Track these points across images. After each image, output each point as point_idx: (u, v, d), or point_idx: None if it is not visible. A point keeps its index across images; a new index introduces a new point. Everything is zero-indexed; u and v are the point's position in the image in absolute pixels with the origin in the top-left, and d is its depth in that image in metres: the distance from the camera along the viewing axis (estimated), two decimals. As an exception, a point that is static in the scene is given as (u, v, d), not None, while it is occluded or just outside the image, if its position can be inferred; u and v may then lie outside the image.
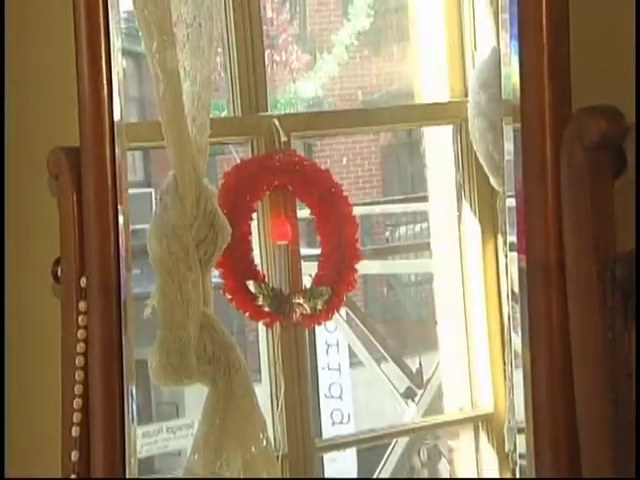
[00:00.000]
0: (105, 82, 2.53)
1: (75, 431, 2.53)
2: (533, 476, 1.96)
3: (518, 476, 2.80)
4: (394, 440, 3.60)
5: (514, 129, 1.94)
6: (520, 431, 2.05)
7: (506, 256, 2.48)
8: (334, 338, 3.94)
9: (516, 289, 2.03)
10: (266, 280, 2.82)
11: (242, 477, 2.26)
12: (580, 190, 1.85)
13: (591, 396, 1.85)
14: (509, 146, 1.99)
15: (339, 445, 3.65)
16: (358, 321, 3.86)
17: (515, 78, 1.93)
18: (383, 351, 3.89)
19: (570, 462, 1.88)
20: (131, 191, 2.51)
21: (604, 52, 2.00)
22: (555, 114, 1.87)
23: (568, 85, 1.88)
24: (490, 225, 2.95)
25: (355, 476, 3.99)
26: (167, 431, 3.25)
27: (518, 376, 2.05)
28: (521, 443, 2.13)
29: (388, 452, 3.73)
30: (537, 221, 1.90)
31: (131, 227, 2.49)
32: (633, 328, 1.83)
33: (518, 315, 2.01)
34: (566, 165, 1.85)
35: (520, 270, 1.96)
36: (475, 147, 2.84)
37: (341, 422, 4.04)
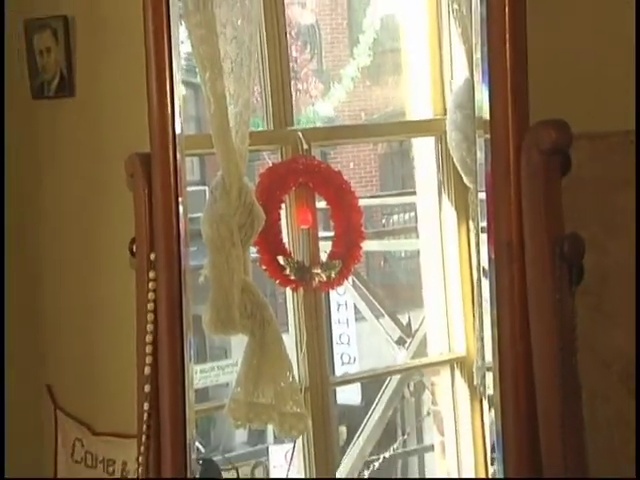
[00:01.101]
0: (169, 104, 2.50)
1: (147, 370, 2.51)
2: (499, 404, 1.94)
3: (486, 404, 2.81)
4: (389, 377, 3.57)
5: (485, 140, 1.92)
6: (489, 369, 2.01)
7: (477, 237, 2.46)
8: (343, 299, 3.93)
9: (486, 261, 2.00)
10: (292, 255, 2.81)
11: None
12: (536, 185, 1.83)
13: (544, 343, 1.83)
14: (480, 153, 1.97)
15: (347, 380, 3.64)
16: (362, 286, 3.85)
17: (485, 101, 1.90)
18: (381, 309, 3.88)
19: (527, 394, 1.86)
20: (189, 188, 2.49)
21: (553, 79, 1.96)
22: (516, 127, 1.85)
23: (526, 105, 1.86)
24: (463, 213, 2.94)
25: (359, 403, 3.96)
26: (217, 369, 3.24)
27: (486, 329, 2.02)
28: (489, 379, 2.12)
29: (384, 386, 3.71)
30: (502, 209, 1.88)
31: (189, 215, 2.46)
32: (575, 291, 1.82)
33: (487, 282, 1.99)
34: (525, 166, 1.83)
35: (489, 246, 1.93)
36: (452, 154, 2.82)
37: (349, 363, 4.02)
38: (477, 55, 2.07)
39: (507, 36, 1.87)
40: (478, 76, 2.04)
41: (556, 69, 1.99)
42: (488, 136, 1.90)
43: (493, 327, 1.92)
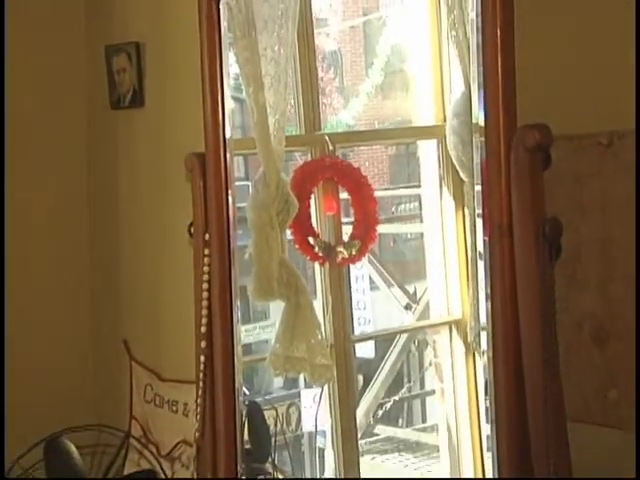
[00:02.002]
0: (220, 113, 2.51)
1: (203, 329, 2.50)
2: (491, 357, 1.92)
3: (479, 359, 2.80)
4: (398, 335, 3.54)
5: (480, 142, 1.90)
6: (483, 329, 1.98)
7: (472, 220, 2.43)
8: (361, 272, 3.90)
9: (480, 242, 1.97)
10: (320, 236, 2.80)
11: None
12: (522, 178, 1.81)
13: (529, 307, 1.81)
14: (477, 153, 1.94)
15: (364, 338, 3.63)
16: (376, 262, 3.84)
17: (481, 110, 1.88)
18: (391, 280, 3.86)
19: (515, 349, 1.83)
20: (236, 183, 2.49)
21: (537, 90, 1.93)
22: (506, 130, 1.82)
23: (514, 112, 1.83)
24: (460, 202, 2.91)
25: (373, 356, 3.95)
26: (259, 328, 3.23)
27: (481, 299, 2.01)
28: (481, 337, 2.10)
29: (394, 343, 3.68)
30: (495, 198, 1.85)
31: (237, 204, 2.46)
32: (554, 264, 1.80)
33: (482, 260, 1.97)
34: (514, 162, 1.81)
35: (484, 229, 1.91)
36: (450, 154, 2.80)
37: (365, 324, 4.01)
38: (473, 73, 2.08)
39: (499, 59, 1.85)
40: (474, 90, 2.04)
41: (540, 81, 1.98)
42: (483, 139, 1.87)
43: (487, 297, 1.89)
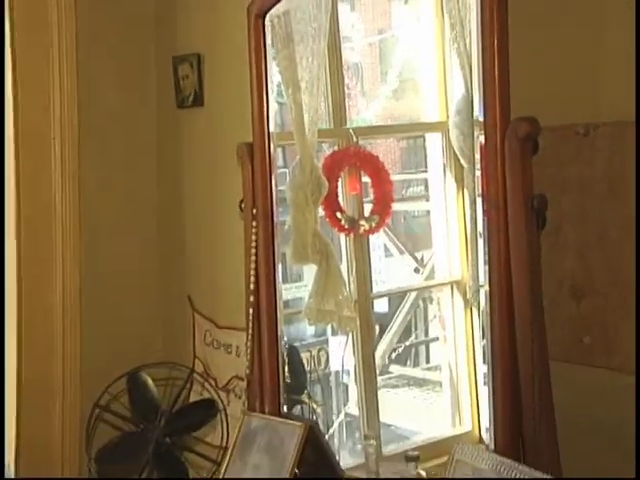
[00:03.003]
0: (265, 111, 2.52)
1: (252, 286, 2.51)
2: (488, 311, 1.90)
3: (476, 313, 2.79)
4: (408, 293, 3.52)
5: (480, 135, 1.87)
6: (481, 286, 1.97)
7: (472, 199, 2.41)
8: (378, 242, 3.86)
9: (478, 217, 1.96)
10: (345, 212, 2.77)
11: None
12: (515, 162, 1.79)
13: (520, 269, 1.79)
14: (477, 143, 1.94)
15: (380, 295, 3.60)
16: (391, 233, 3.81)
17: (481, 107, 1.85)
18: (403, 248, 3.83)
19: (508, 304, 1.82)
20: (278, 170, 2.55)
21: (526, 90, 1.90)
22: (501, 123, 1.80)
23: (508, 107, 1.81)
24: (460, 184, 2.87)
25: (387, 310, 3.92)
26: (295, 288, 3.22)
27: (480, 263, 2.00)
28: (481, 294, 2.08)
29: (405, 299, 3.65)
30: (492, 179, 1.83)
31: (278, 187, 2.50)
32: (540, 233, 1.79)
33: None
34: (508, 149, 1.79)
35: (483, 206, 1.89)
36: (453, 144, 2.77)
37: (381, 284, 3.98)
38: (474, 77, 2.09)
39: (496, 65, 1.82)
40: (475, 90, 2.03)
41: (529, 81, 1.96)
42: (482, 132, 1.85)
43: (485, 261, 1.87)
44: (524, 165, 1.78)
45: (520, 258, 1.80)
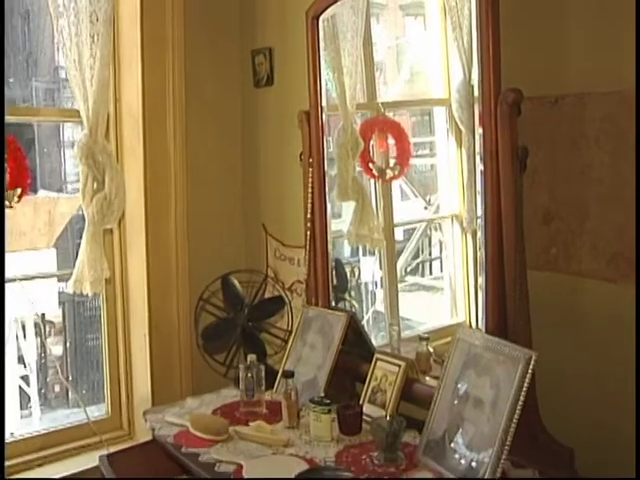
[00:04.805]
0: (318, 89, 2.50)
1: (309, 216, 2.52)
2: (483, 235, 1.88)
3: (469, 238, 2.74)
4: (419, 224, 3.48)
5: (477, 107, 1.86)
6: (478, 217, 1.95)
7: (470, 154, 2.36)
8: (398, 187, 3.82)
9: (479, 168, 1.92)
10: (376, 163, 2.73)
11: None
12: (504, 122, 1.76)
13: (508, 202, 1.79)
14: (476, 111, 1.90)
15: (400, 224, 3.55)
16: (407, 181, 3.76)
17: (479, 83, 1.83)
18: (416, 192, 3.79)
19: (498, 228, 1.82)
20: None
21: (513, 67, 1.85)
22: (495, 92, 1.77)
23: (499, 80, 1.78)
24: (459, 144, 2.79)
25: (402, 239, 3.86)
26: (336, 223, 3.19)
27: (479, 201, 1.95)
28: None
29: (417, 228, 3.60)
30: (487, 136, 1.81)
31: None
32: (522, 175, 1.76)
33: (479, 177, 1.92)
34: (499, 112, 1.76)
35: (480, 154, 1.86)
36: (454, 115, 2.69)
37: (400, 217, 3.95)
38: (469, 65, 2.05)
39: (490, 49, 1.79)
40: (471, 75, 2.06)
41: (514, 61, 1.88)
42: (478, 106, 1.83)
43: (482, 198, 1.86)
44: (511, 124, 1.76)
45: (507, 193, 1.78)
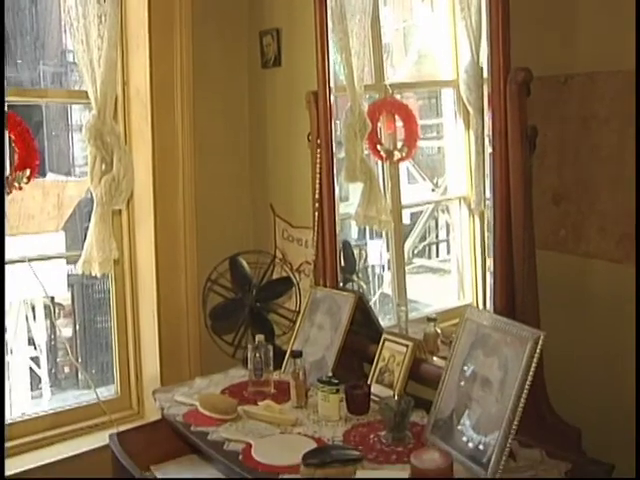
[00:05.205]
0: (326, 70, 2.50)
1: (317, 196, 2.51)
2: (492, 212, 1.87)
3: (477, 219, 2.73)
4: (427, 206, 3.46)
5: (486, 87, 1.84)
6: (487, 199, 1.95)
7: (476, 137, 2.34)
8: (405, 169, 3.80)
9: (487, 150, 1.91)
10: (383, 144, 2.71)
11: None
12: (514, 101, 1.75)
13: (517, 180, 1.78)
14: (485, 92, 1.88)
15: (408, 206, 3.53)
16: (415, 163, 3.74)
17: (488, 65, 1.82)
18: (424, 175, 3.76)
19: (507, 209, 1.81)
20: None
21: (522, 47, 1.83)
22: (504, 71, 1.76)
23: (509, 60, 1.76)
24: (467, 126, 2.76)
25: (410, 221, 3.83)
26: (344, 205, 3.18)
27: (483, 180, 1.96)
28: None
29: (424, 210, 3.59)
30: (497, 114, 1.80)
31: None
32: (531, 155, 1.75)
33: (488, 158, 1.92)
34: (509, 91, 1.75)
35: (488, 135, 1.86)
36: (462, 95, 2.67)
37: (407, 200, 3.93)
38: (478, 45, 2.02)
39: (500, 29, 1.78)
40: (479, 56, 2.08)
41: (524, 41, 1.87)
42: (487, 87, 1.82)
43: (491, 178, 1.84)
44: (521, 104, 1.74)
45: (517, 173, 1.77)
